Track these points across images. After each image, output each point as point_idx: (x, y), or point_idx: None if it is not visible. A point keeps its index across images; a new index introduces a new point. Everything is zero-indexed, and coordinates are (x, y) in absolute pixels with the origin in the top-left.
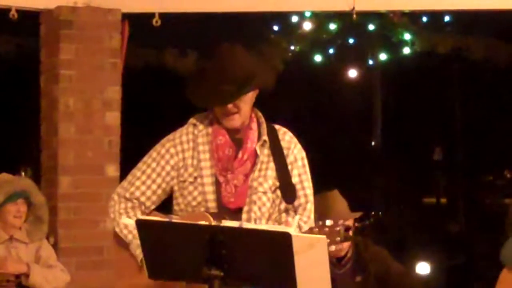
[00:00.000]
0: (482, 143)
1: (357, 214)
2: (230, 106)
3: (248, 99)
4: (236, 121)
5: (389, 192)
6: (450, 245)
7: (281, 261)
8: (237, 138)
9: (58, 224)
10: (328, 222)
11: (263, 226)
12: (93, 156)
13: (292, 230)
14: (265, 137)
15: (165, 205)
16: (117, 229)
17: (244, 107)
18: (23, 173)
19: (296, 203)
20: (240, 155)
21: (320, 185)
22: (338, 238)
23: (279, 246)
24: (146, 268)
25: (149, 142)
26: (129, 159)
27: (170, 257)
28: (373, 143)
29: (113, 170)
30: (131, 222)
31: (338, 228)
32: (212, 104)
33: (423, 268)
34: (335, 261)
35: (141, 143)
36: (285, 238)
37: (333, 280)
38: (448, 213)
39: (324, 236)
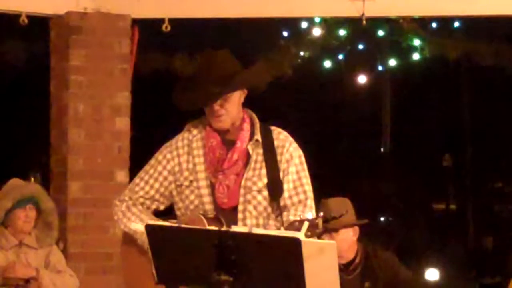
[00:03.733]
0: (492, 150)
1: (364, 222)
2: (216, 107)
3: (234, 100)
4: (223, 122)
5: (398, 198)
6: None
7: (291, 266)
8: (228, 140)
9: (67, 229)
10: (309, 216)
11: (272, 231)
12: (103, 161)
13: (302, 235)
14: (257, 136)
15: (167, 210)
16: (126, 229)
17: (231, 108)
18: (32, 179)
19: (295, 199)
20: (229, 155)
21: (329, 190)
22: (318, 230)
23: (288, 251)
24: (154, 273)
25: (159, 148)
26: (139, 164)
27: (179, 262)
28: (382, 149)
29: (122, 175)
30: (141, 228)
31: (316, 221)
32: (196, 105)
33: (432, 274)
34: (344, 267)
35: (151, 148)
36: (295, 244)
37: (342, 286)
38: (457, 219)
39: (334, 242)
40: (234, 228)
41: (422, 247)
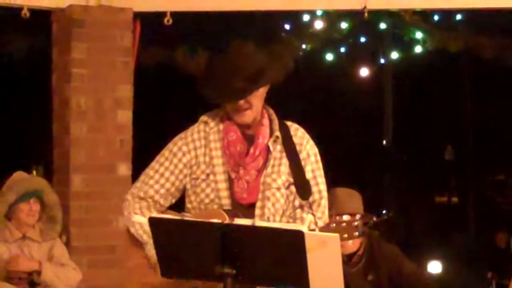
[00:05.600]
0: (494, 142)
1: (373, 218)
2: (242, 102)
3: (259, 95)
4: (248, 116)
5: (400, 191)
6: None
7: (294, 259)
8: (249, 134)
9: (70, 222)
10: (345, 217)
11: (275, 224)
12: (105, 155)
13: (305, 228)
14: (277, 133)
15: (177, 203)
16: (132, 230)
17: (256, 103)
18: (34, 172)
19: (310, 199)
20: (252, 150)
21: (331, 183)
22: (356, 233)
23: (291, 244)
24: (158, 267)
25: (161, 141)
26: (141, 157)
27: (182, 255)
28: (384, 142)
29: (124, 169)
30: (144, 221)
31: (356, 223)
32: (225, 101)
33: (434, 267)
34: (347, 260)
35: (153, 141)
36: (298, 236)
37: (345, 278)
38: (459, 212)
39: (337, 234)
40: (238, 221)
41: (424, 239)
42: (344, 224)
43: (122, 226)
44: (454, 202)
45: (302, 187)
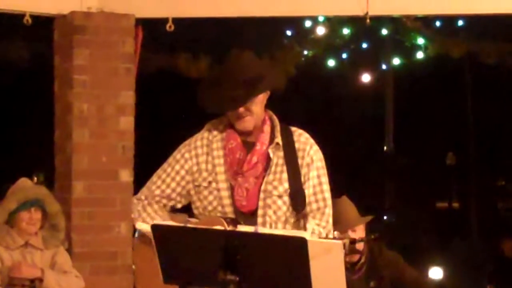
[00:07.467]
0: (495, 148)
1: (368, 218)
2: (241, 109)
3: (259, 101)
4: (248, 123)
5: (402, 197)
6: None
7: (297, 266)
8: (249, 142)
9: (71, 229)
10: (336, 234)
11: (278, 231)
12: (107, 161)
13: (308, 235)
14: (278, 139)
15: (189, 207)
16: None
17: (256, 109)
18: (35, 178)
19: (314, 206)
20: (249, 157)
21: (332, 189)
22: (343, 251)
23: (294, 251)
24: (161, 272)
25: (163, 147)
26: (143, 164)
27: (185, 262)
28: (385, 148)
29: (127, 175)
30: (146, 228)
31: (344, 241)
32: (223, 109)
33: (436, 273)
34: (350, 266)
35: (155, 148)
36: (301, 243)
37: (348, 285)
38: (460, 217)
39: (340, 242)
40: (240, 228)
41: (426, 245)
42: (344, 241)
43: (125, 232)
44: (455, 207)
45: (296, 199)
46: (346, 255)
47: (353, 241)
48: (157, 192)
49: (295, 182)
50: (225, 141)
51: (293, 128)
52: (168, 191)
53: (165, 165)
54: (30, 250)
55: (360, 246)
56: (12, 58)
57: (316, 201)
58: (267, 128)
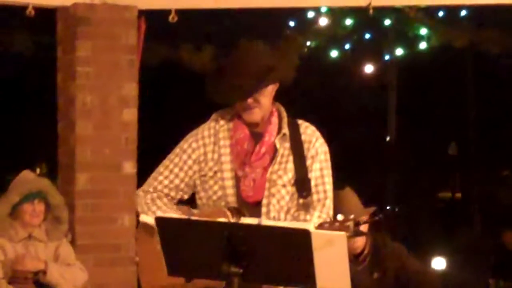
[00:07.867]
0: (497, 138)
1: (371, 210)
2: (250, 100)
3: (267, 93)
4: (256, 114)
5: (404, 187)
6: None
7: (300, 258)
8: (257, 132)
9: (75, 221)
10: (339, 217)
11: (282, 223)
12: (110, 153)
13: (311, 227)
14: (285, 130)
15: (192, 198)
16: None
17: (264, 101)
18: (38, 169)
19: (315, 197)
20: (257, 148)
21: (335, 179)
22: (348, 234)
23: (298, 243)
24: (165, 265)
25: (166, 138)
26: (146, 155)
27: (189, 254)
28: (388, 138)
29: (130, 167)
30: (150, 220)
31: (348, 223)
32: (232, 100)
33: (438, 263)
34: (353, 258)
35: (158, 139)
36: (304, 235)
37: (351, 277)
38: (462, 208)
39: (344, 233)
40: (244, 220)
41: (428, 235)
42: (337, 224)
43: (128, 224)
44: (457, 198)
45: (302, 185)
46: (350, 237)
47: (357, 223)
48: (166, 182)
49: (301, 170)
50: (232, 131)
51: (300, 121)
52: (177, 181)
53: (171, 156)
54: (33, 243)
55: (365, 227)
56: (15, 50)
57: (317, 192)
58: (274, 119)
